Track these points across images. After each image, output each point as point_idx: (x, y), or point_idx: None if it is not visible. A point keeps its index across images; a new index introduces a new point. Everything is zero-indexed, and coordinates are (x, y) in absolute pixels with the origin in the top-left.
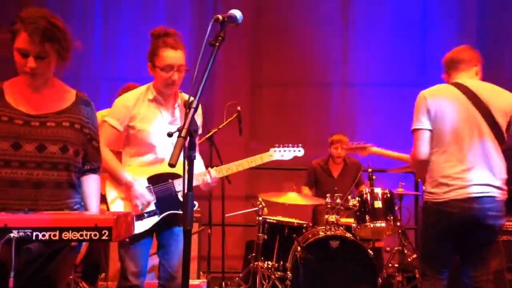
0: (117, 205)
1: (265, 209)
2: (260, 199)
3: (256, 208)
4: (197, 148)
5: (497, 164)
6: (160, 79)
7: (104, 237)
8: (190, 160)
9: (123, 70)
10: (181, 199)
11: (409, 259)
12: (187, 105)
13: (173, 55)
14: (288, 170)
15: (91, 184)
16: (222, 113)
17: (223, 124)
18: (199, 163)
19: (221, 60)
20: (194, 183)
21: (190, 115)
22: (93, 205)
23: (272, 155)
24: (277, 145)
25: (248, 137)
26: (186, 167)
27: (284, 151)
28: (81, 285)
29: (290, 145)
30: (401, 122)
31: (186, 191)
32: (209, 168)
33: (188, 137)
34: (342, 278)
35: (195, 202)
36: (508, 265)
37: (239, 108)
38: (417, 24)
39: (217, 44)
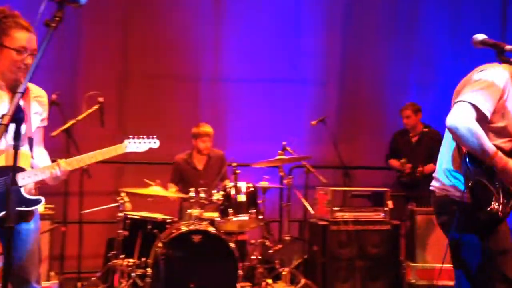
0: None
1: (128, 204)
2: (122, 194)
3: (117, 204)
4: (39, 140)
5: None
6: (10, 61)
7: None
8: (15, 150)
9: None
10: (24, 194)
11: (270, 251)
12: (12, 89)
13: (28, 37)
14: (155, 164)
15: None
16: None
17: (82, 115)
18: (44, 156)
19: (86, 49)
20: (41, 177)
21: (15, 101)
22: None
23: (126, 146)
24: (131, 136)
25: (115, 130)
26: (11, 157)
27: (139, 142)
28: None
29: (145, 136)
30: (273, 118)
31: (10, 184)
32: (59, 160)
33: (14, 126)
34: (205, 272)
35: (41, 197)
36: (358, 252)
37: (101, 99)
38: (291, 20)
39: (53, 25)
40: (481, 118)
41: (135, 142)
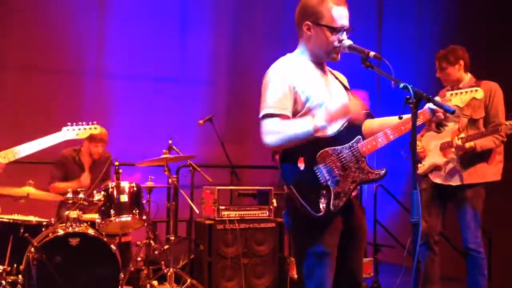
0: None
1: None
2: None
3: None
4: None
5: None
6: None
7: None
8: None
9: None
10: None
11: (156, 252)
12: None
13: None
14: (32, 163)
15: None
16: None
17: None
18: None
19: None
20: None
21: None
22: None
23: (65, 134)
24: (69, 123)
25: None
26: None
27: (79, 129)
28: None
29: (84, 123)
30: (160, 117)
31: None
32: None
33: None
34: (84, 277)
35: None
36: (243, 250)
37: None
38: (177, 19)
39: None
40: (286, 117)
41: (73, 129)
